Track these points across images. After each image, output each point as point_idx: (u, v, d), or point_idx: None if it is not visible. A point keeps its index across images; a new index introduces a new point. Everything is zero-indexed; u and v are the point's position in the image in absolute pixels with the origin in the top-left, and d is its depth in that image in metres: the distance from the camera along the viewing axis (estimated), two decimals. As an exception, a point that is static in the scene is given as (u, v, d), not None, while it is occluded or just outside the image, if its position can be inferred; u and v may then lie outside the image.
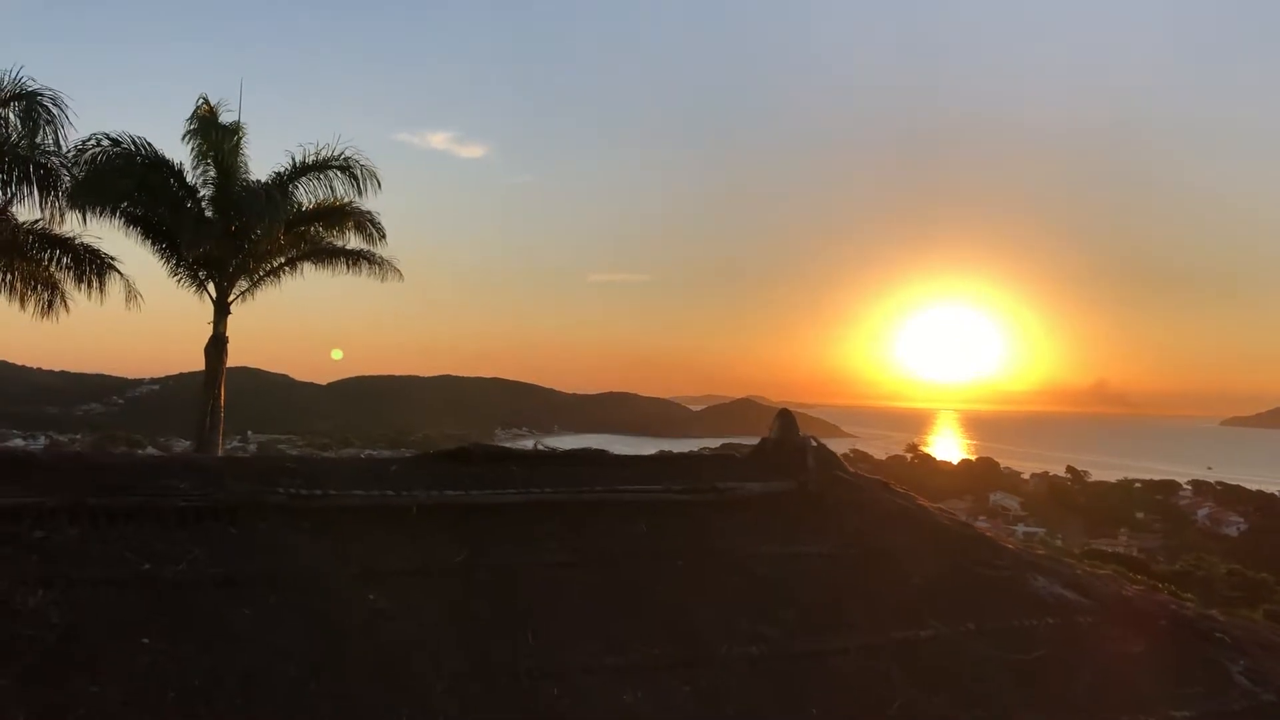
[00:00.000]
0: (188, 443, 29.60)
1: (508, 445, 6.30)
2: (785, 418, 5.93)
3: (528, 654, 3.70)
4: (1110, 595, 5.30)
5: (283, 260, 21.06)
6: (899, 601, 4.66)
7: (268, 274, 20.99)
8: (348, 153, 19.95)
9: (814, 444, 5.88)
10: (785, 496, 5.43)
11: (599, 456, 5.57)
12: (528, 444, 6.41)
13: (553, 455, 5.67)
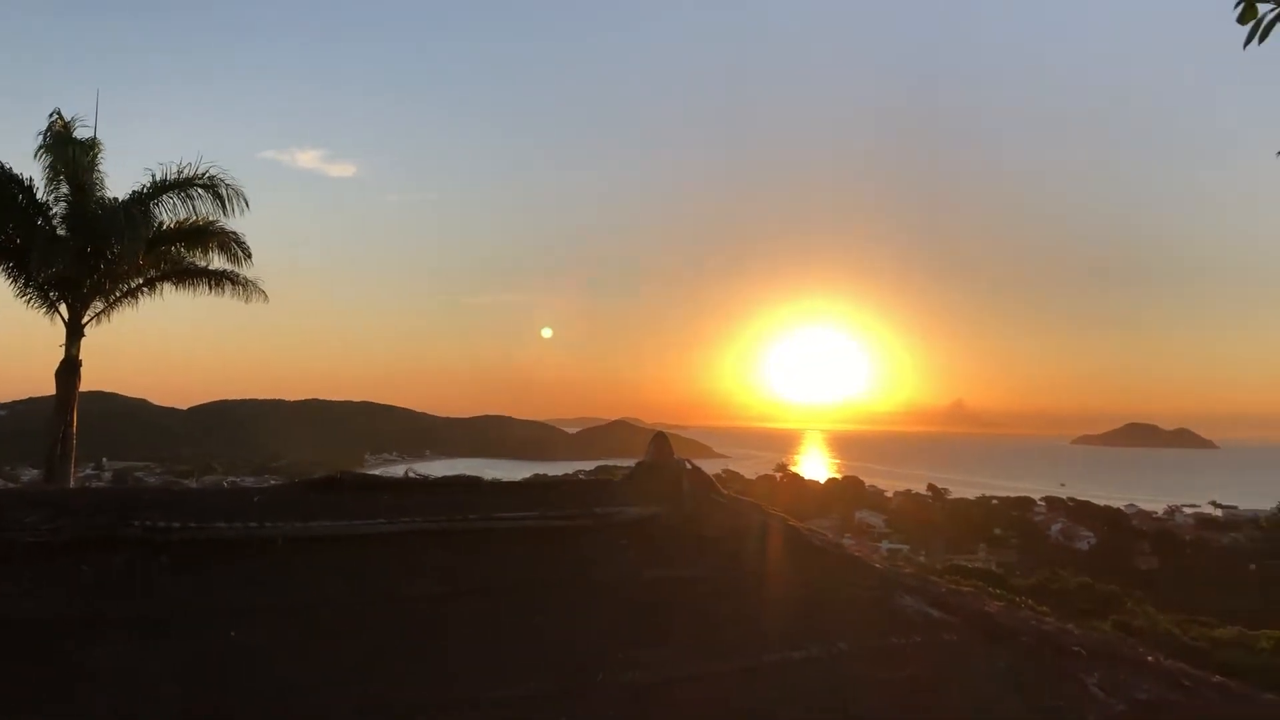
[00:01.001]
0: (37, 472, 28.13)
1: (378, 472, 6.17)
2: (659, 441, 5.96)
3: (412, 690, 3.61)
4: (974, 612, 5.46)
5: (141, 281, 20.23)
6: (775, 623, 4.72)
7: (125, 295, 20.12)
8: (212, 170, 19.31)
9: (689, 467, 5.93)
10: (662, 520, 5.45)
11: (473, 483, 5.50)
12: (398, 470, 6.28)
13: (425, 483, 5.57)
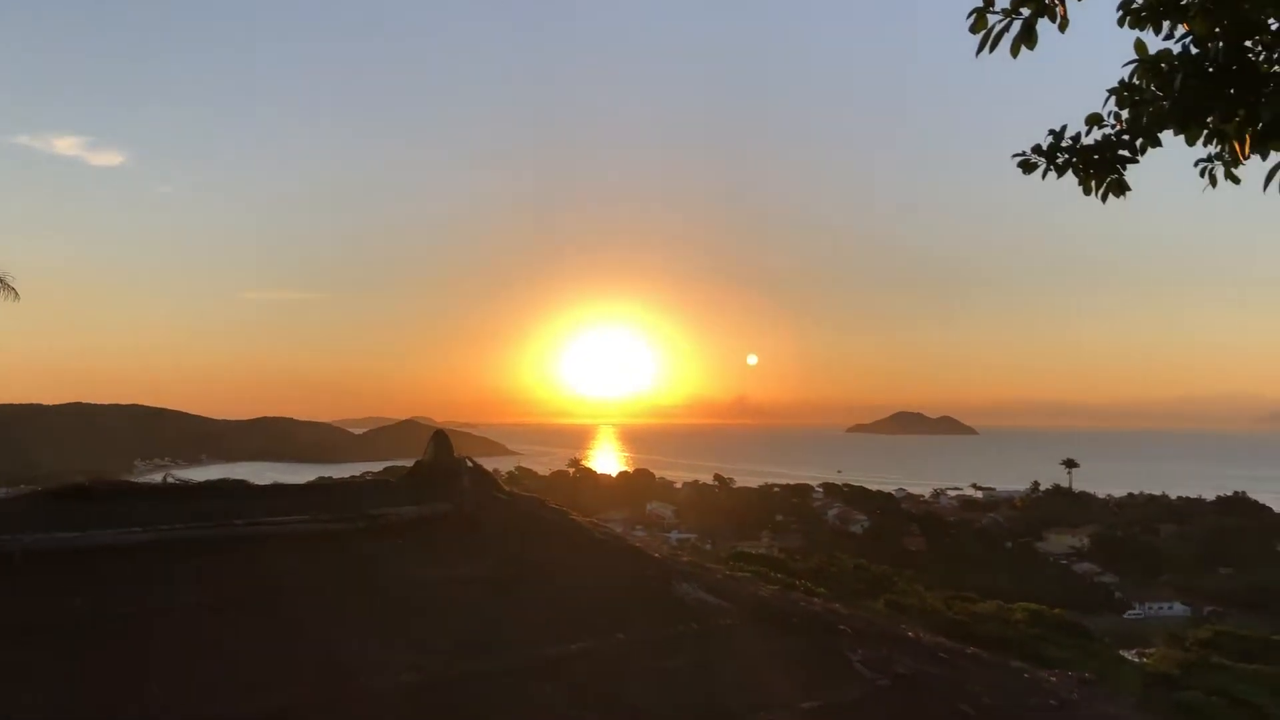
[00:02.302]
0: None
1: (143, 479, 5.81)
2: (439, 439, 5.87)
3: (158, 708, 3.40)
4: (748, 596, 5.64)
5: None
6: (553, 618, 4.72)
7: None
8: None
9: (470, 464, 5.86)
10: (441, 519, 5.37)
11: (239, 488, 5.26)
12: (176, 476, 5.93)
13: (187, 489, 5.29)
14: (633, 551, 5.76)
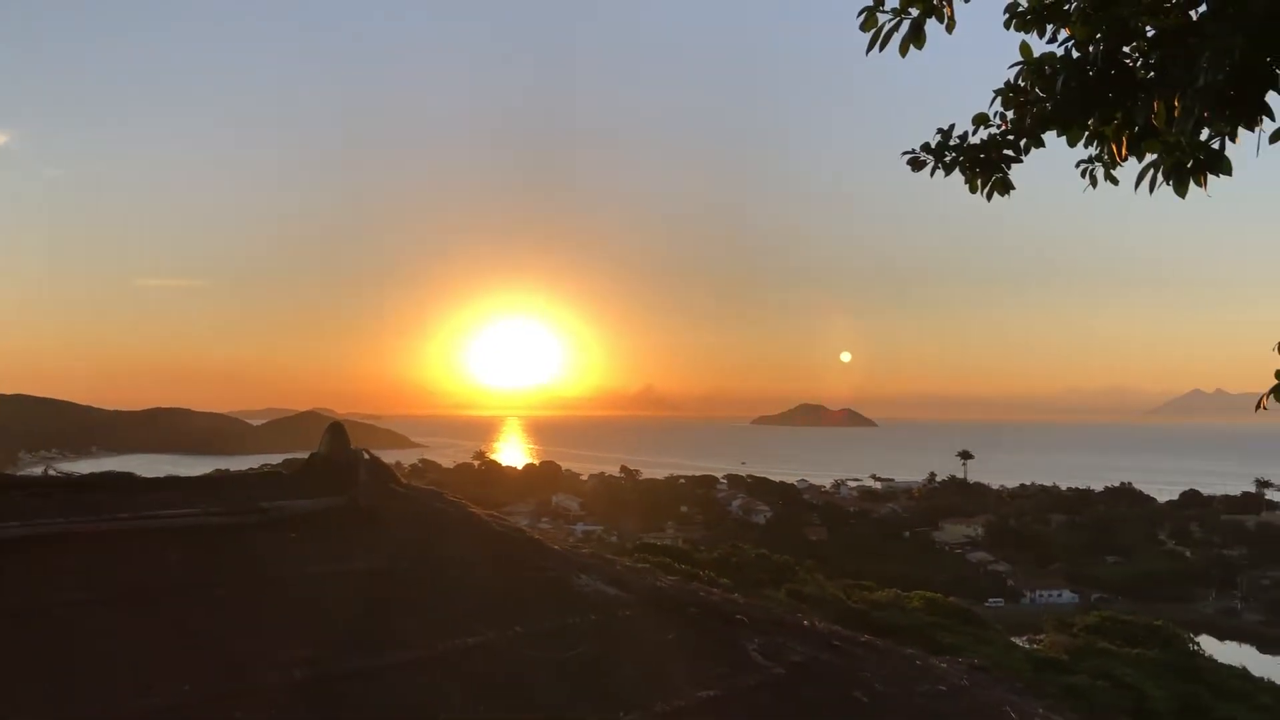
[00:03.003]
0: None
1: (26, 472, 5.61)
2: (335, 431, 5.78)
3: (35, 710, 3.28)
4: (647, 587, 5.67)
5: None
6: (450, 611, 4.69)
7: None
8: None
9: (366, 457, 5.78)
10: (335, 513, 5.28)
11: (124, 481, 5.10)
12: (58, 469, 5.73)
13: (68, 481, 5.11)
14: (532, 544, 5.75)
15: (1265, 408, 4.42)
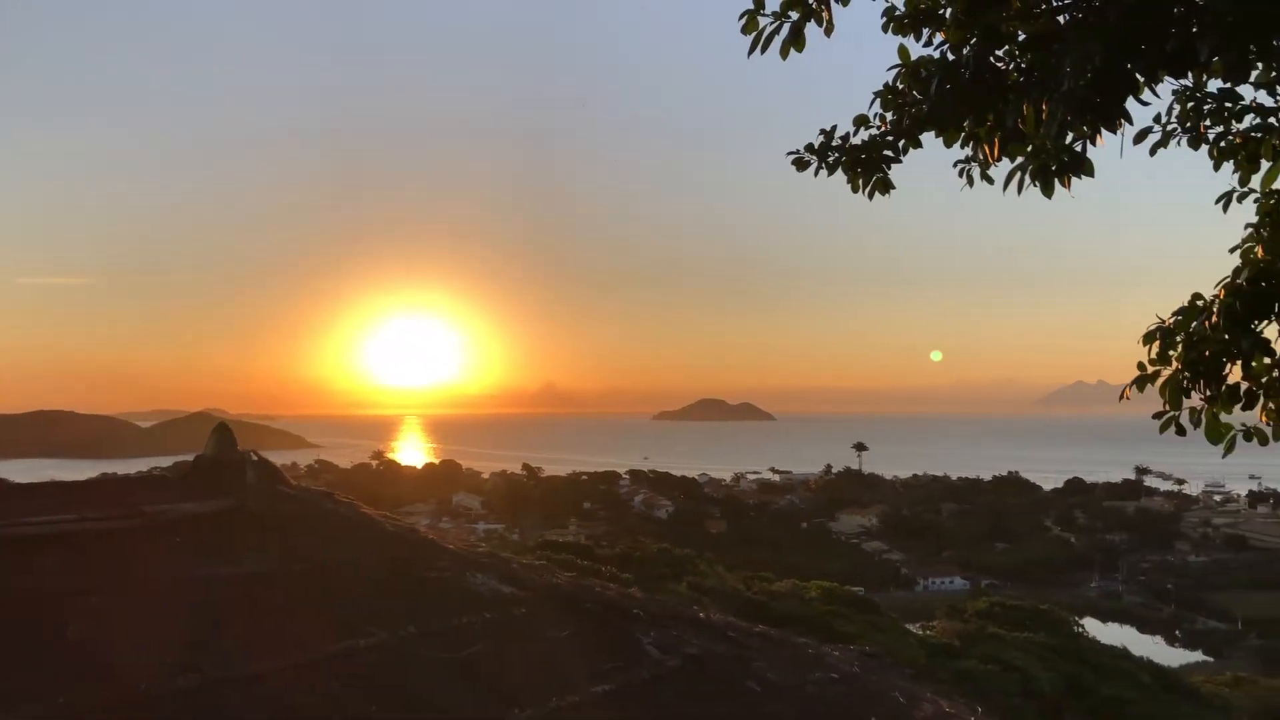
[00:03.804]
0: None
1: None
2: (221, 432, 5.65)
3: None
4: (543, 585, 5.68)
5: None
6: (342, 613, 4.63)
7: None
8: None
9: (254, 458, 5.66)
10: (223, 516, 5.17)
11: (-3, 486, 4.91)
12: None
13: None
14: (426, 543, 5.71)
15: (1128, 398, 4.63)
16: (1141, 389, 4.50)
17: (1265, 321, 4.30)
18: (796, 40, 3.66)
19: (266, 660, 4.09)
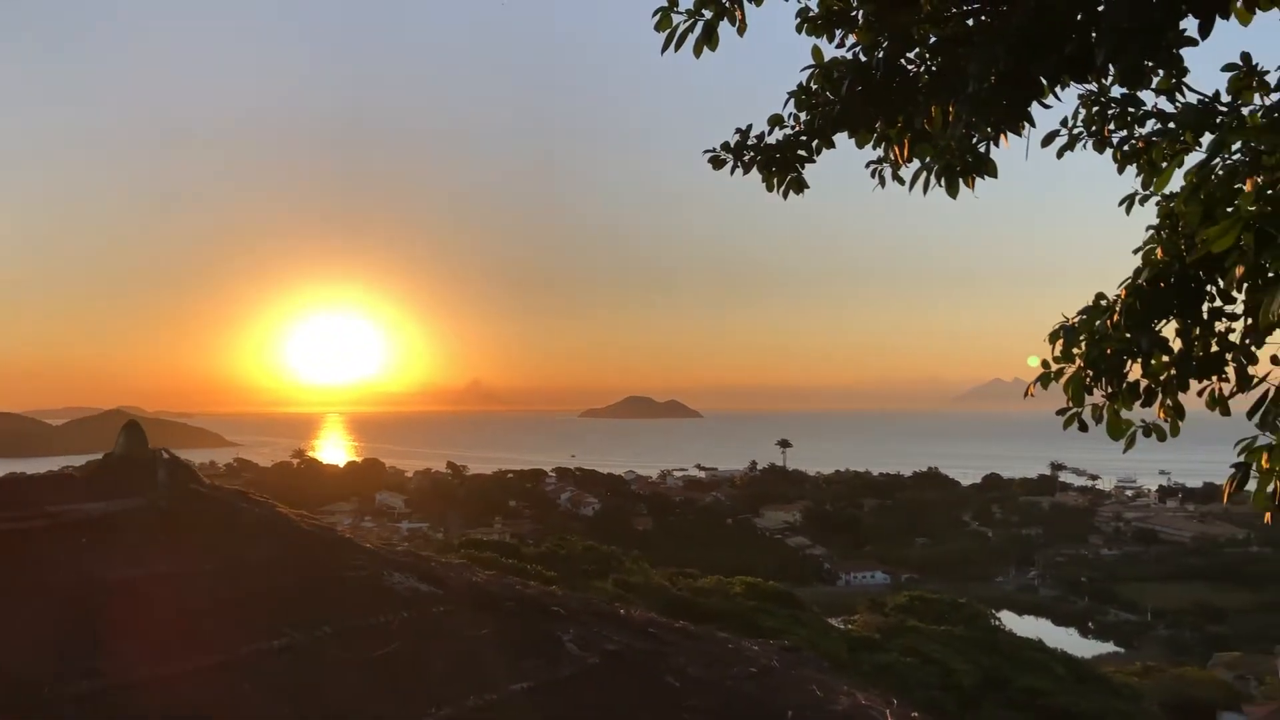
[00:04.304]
0: None
1: None
2: (131, 430, 5.52)
3: None
4: (462, 583, 5.64)
5: None
6: (254, 614, 4.55)
7: None
8: None
9: (166, 457, 5.54)
10: (131, 515, 5.05)
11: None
12: None
13: None
14: (343, 543, 5.64)
15: (1032, 395, 4.76)
16: (1046, 386, 4.63)
17: (1164, 321, 4.45)
18: (710, 39, 3.68)
19: (174, 663, 4.01)
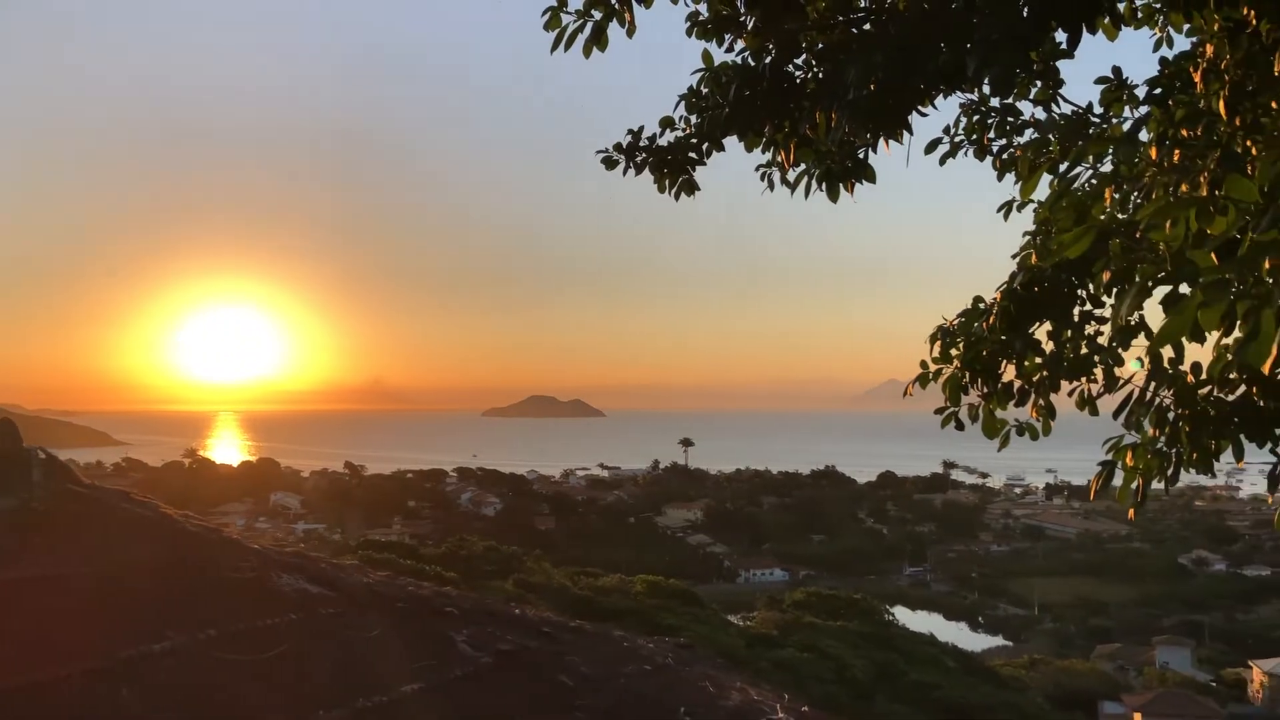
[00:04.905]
0: None
1: None
2: (4, 428, 5.32)
3: None
4: (353, 584, 5.58)
5: None
6: (135, 617, 4.44)
7: None
8: None
9: (42, 456, 5.36)
10: (4, 517, 4.88)
11: None
12: None
13: None
14: (229, 544, 5.52)
15: (911, 394, 4.91)
16: (924, 386, 4.78)
17: (1037, 323, 4.64)
18: (599, 39, 3.70)
19: (50, 668, 3.89)
